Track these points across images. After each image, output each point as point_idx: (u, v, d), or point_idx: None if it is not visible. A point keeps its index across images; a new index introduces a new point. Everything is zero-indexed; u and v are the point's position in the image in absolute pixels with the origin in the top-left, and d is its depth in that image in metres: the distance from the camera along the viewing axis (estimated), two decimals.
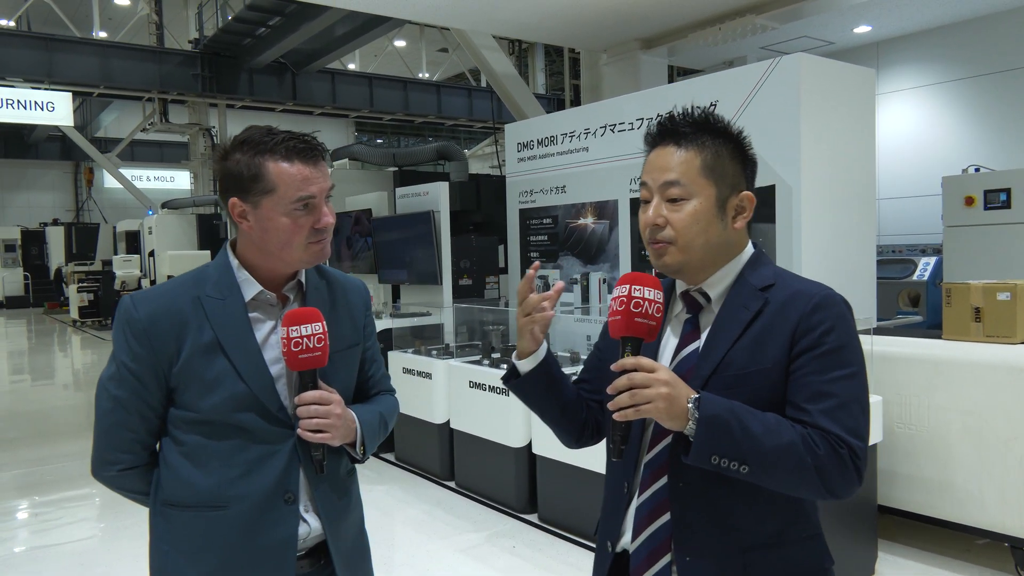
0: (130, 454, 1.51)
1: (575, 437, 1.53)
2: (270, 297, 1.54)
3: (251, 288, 1.52)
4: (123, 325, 1.48)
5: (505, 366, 1.59)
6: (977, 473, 3.51)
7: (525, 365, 1.43)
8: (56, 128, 21.15)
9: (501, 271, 7.14)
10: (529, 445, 4.48)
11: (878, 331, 4.09)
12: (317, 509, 1.54)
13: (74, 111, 19.49)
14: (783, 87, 4.19)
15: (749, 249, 1.40)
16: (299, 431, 1.47)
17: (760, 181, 5.04)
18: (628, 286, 1.24)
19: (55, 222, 24.76)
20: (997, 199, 5.71)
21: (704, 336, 1.35)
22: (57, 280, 22.18)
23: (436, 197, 6.63)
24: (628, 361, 1.22)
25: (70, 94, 18.44)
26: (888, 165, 9.50)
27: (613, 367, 1.22)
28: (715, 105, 4.56)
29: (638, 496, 1.36)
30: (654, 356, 1.36)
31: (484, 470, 4.82)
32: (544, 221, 5.99)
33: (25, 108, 17.80)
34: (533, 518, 4.45)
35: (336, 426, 1.48)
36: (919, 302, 6.56)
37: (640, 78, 7.62)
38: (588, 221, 5.59)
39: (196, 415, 1.48)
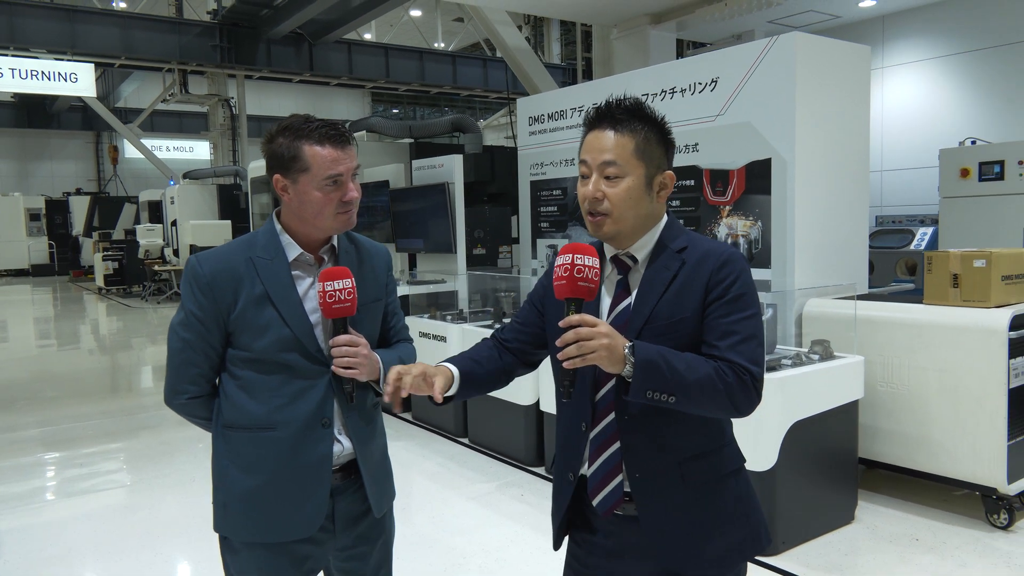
0: (196, 386, 1.84)
1: (505, 383, 1.85)
2: (309, 258, 1.85)
3: (293, 250, 1.83)
4: (190, 280, 1.80)
5: None
6: (952, 428, 3.78)
7: (451, 392, 1.75)
8: (77, 98, 21.49)
9: (514, 241, 7.41)
10: (537, 403, 4.80)
11: (867, 297, 4.34)
12: (348, 432, 1.87)
13: (95, 81, 19.80)
14: (779, 64, 4.39)
15: (665, 217, 1.68)
16: (333, 368, 1.78)
17: (756, 154, 5.24)
18: (571, 255, 1.47)
19: (78, 191, 25.18)
20: (991, 171, 5.90)
21: (634, 294, 1.62)
22: (74, 249, 22.57)
23: (451, 169, 6.88)
24: (574, 318, 1.44)
25: (92, 65, 18.73)
26: (891, 137, 9.62)
27: (561, 323, 1.47)
28: (716, 82, 4.79)
29: (592, 430, 1.65)
30: (595, 312, 1.64)
31: (495, 426, 5.15)
32: (554, 192, 6.24)
33: (49, 79, 18.18)
34: (540, 470, 4.78)
35: (363, 364, 1.79)
36: (916, 271, 6.77)
37: (649, 51, 7.80)
38: None
39: (250, 354, 1.80)
